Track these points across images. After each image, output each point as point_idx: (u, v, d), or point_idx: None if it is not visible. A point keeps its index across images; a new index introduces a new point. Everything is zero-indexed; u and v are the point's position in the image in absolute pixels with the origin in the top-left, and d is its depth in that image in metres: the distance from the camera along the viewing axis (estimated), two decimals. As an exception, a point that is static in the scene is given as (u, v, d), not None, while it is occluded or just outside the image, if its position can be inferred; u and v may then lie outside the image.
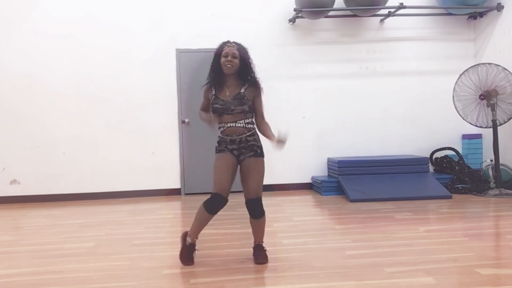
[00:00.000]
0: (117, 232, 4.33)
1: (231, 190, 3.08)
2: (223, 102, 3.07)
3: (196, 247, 3.20)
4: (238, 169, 3.15)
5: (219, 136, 3.15)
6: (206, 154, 6.38)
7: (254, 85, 3.15)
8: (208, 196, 3.08)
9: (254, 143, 3.11)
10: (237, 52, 3.08)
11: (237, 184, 3.14)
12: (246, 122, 3.10)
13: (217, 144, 3.16)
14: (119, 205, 5.89)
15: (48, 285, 2.86)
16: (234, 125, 3.07)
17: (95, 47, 6.39)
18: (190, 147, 6.48)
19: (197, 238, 3.18)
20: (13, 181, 6.33)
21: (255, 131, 3.16)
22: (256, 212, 3.10)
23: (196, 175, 6.47)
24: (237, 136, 3.07)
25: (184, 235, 3.20)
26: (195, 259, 3.20)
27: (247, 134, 3.09)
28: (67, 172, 6.36)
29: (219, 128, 3.13)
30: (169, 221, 4.96)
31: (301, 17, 6.45)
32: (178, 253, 3.17)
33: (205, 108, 3.29)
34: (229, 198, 3.05)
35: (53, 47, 6.34)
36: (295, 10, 6.25)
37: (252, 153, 3.09)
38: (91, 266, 3.24)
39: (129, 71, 6.44)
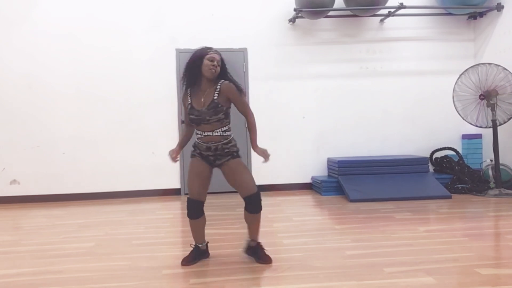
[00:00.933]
0: (117, 232, 4.33)
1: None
2: (198, 113, 3.04)
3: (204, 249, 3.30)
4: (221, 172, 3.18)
5: (195, 141, 3.17)
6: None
7: (227, 86, 3.07)
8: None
9: (230, 149, 3.11)
10: (220, 61, 3.09)
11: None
12: (223, 130, 3.09)
13: (192, 148, 3.21)
14: (119, 205, 5.88)
15: (48, 285, 2.86)
16: (211, 134, 3.07)
17: (95, 47, 6.39)
18: (190, 147, 6.45)
19: (202, 242, 3.24)
20: (13, 181, 6.33)
21: (232, 138, 3.14)
22: (256, 206, 3.10)
23: (196, 175, 6.45)
24: (213, 144, 3.07)
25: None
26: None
27: (223, 142, 3.08)
28: (67, 172, 6.36)
29: (197, 134, 3.14)
30: (169, 221, 4.96)
31: (301, 17, 6.45)
32: (178, 253, 3.17)
33: (188, 121, 3.22)
34: (206, 199, 3.14)
35: (53, 47, 6.34)
36: (295, 10, 6.25)
37: (229, 157, 3.10)
38: (91, 266, 3.24)
39: (129, 71, 6.44)
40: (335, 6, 6.34)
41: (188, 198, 3.13)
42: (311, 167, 6.68)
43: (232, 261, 3.23)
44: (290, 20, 6.53)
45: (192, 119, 3.08)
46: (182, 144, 3.32)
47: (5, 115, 6.30)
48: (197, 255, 3.23)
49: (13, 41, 6.31)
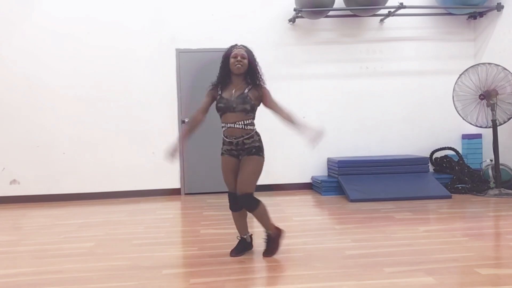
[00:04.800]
0: (117, 232, 4.33)
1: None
2: (226, 101, 3.19)
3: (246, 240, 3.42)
4: None
5: (222, 137, 3.27)
6: (206, 154, 6.41)
7: (258, 87, 3.27)
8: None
9: (252, 145, 3.20)
10: (245, 54, 3.22)
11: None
12: (245, 123, 3.17)
13: (222, 145, 3.32)
14: (119, 205, 5.88)
15: (48, 285, 2.86)
16: (233, 126, 3.16)
17: (95, 47, 6.38)
18: (190, 147, 6.47)
19: (245, 233, 3.39)
20: (13, 181, 6.33)
21: (254, 133, 3.22)
22: (244, 207, 3.25)
23: (196, 175, 6.47)
24: (235, 138, 3.18)
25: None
26: (198, 259, 3.25)
27: (245, 137, 3.17)
28: (67, 172, 6.36)
29: (222, 127, 3.24)
30: (169, 221, 4.96)
31: (301, 17, 6.45)
32: (178, 253, 3.17)
33: (204, 108, 3.31)
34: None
35: (53, 47, 6.34)
36: (295, 10, 6.26)
37: (247, 153, 3.22)
38: (91, 266, 3.24)
39: (129, 71, 6.44)
40: (335, 6, 6.34)
41: (228, 192, 3.28)
42: (311, 167, 6.68)
43: (232, 261, 3.23)
44: (290, 20, 6.53)
45: (219, 107, 3.20)
46: (187, 133, 3.39)
47: (5, 116, 6.30)
48: (244, 246, 3.37)
49: (13, 42, 6.31)
